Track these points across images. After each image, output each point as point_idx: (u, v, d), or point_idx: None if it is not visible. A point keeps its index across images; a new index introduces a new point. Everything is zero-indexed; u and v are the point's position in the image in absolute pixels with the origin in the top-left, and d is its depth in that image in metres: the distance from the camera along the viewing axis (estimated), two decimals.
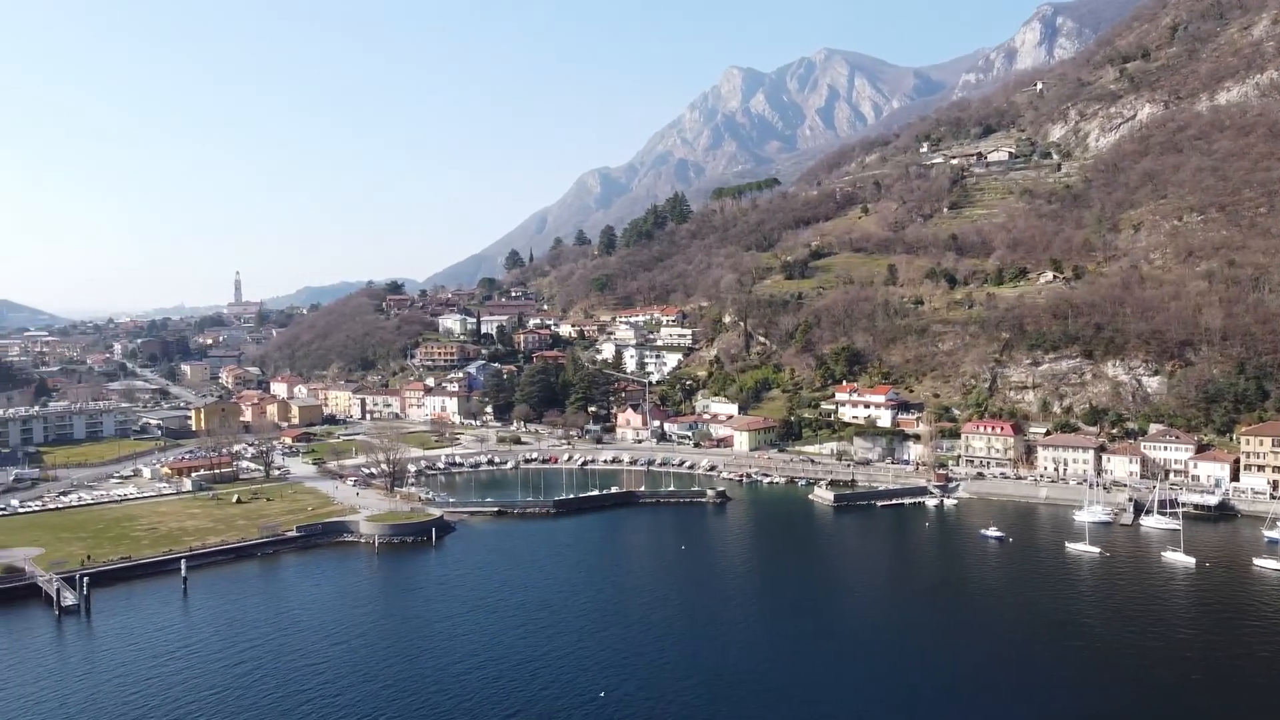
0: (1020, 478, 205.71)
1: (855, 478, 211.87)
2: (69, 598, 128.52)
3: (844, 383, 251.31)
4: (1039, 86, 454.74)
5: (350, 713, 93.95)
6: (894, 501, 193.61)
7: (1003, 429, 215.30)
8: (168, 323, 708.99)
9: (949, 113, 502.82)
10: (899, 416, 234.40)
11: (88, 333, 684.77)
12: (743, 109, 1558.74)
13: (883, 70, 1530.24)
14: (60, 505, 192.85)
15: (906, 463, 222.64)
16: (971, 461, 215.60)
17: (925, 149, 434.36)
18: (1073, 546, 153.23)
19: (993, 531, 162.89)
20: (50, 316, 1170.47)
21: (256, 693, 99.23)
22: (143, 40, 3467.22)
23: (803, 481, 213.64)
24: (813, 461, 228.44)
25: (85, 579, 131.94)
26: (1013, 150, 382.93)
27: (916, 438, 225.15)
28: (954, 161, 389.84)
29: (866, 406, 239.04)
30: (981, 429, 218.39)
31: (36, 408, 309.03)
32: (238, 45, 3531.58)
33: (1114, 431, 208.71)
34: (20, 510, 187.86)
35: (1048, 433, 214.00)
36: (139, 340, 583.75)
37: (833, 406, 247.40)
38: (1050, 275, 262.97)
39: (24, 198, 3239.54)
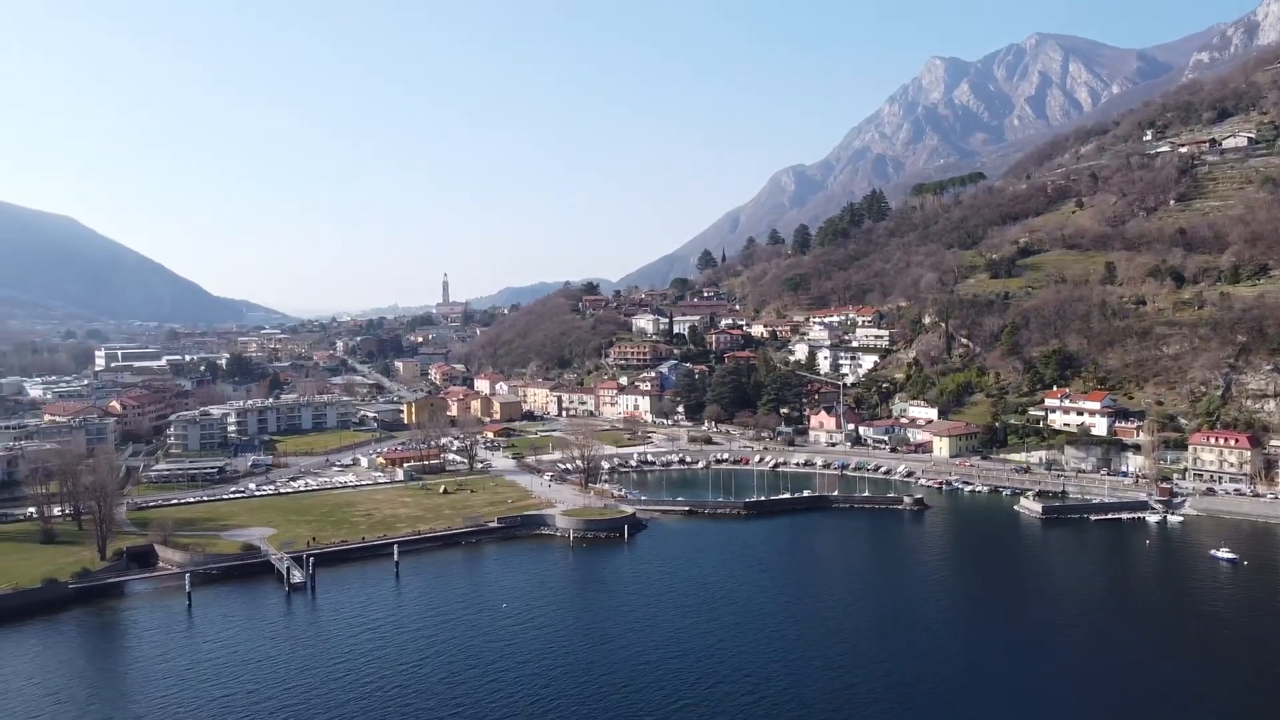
0: (1258, 495, 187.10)
1: (1066, 489, 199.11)
2: (297, 575, 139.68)
3: (1054, 388, 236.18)
4: None
5: (529, 691, 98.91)
6: (1110, 516, 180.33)
7: (1237, 441, 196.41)
8: (383, 322, 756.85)
9: (1177, 96, 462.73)
10: (1116, 425, 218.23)
11: (314, 331, 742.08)
12: (945, 100, 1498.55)
13: (1101, 53, 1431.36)
14: (289, 490, 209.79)
15: (1124, 475, 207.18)
16: (1200, 476, 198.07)
17: (1149, 136, 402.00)
18: None
19: (1224, 553, 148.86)
20: (282, 315, 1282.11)
21: (451, 668, 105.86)
22: (384, 59, 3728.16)
23: (1007, 491, 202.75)
24: (1027, 470, 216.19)
25: (311, 559, 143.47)
26: (1252, 135, 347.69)
27: (1136, 448, 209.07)
28: (1182, 149, 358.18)
29: (1079, 413, 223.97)
30: (1212, 440, 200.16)
31: (270, 400, 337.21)
32: (451, 64, 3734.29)
33: None
34: (256, 494, 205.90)
35: None
36: (358, 338, 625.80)
37: (1041, 413, 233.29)
38: None
39: (264, 206, 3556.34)
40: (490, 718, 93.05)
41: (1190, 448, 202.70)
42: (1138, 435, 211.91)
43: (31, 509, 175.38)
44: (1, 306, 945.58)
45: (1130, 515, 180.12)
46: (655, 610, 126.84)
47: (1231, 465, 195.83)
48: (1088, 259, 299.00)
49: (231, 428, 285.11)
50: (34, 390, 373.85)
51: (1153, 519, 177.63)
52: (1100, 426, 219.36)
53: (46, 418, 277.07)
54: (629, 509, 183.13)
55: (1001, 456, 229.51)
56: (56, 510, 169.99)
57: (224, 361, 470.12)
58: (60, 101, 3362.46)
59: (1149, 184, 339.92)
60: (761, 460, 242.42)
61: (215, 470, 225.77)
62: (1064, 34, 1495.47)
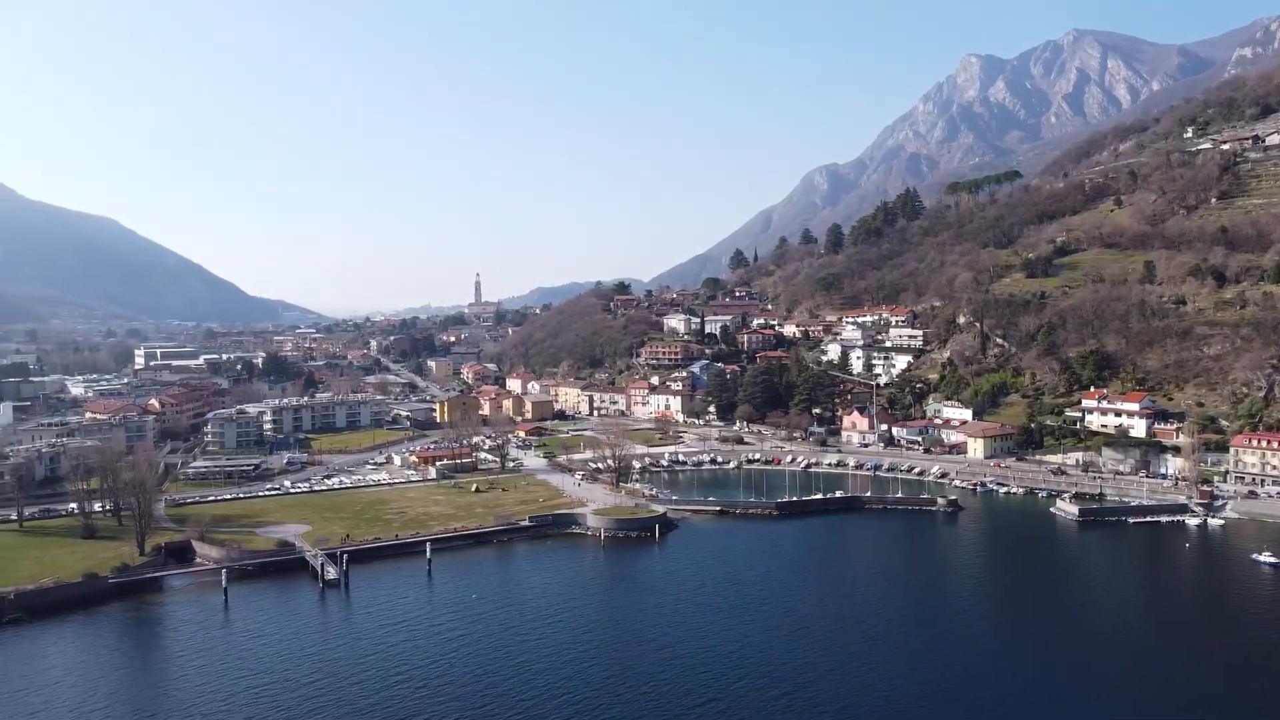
0: None
1: (1103, 491, 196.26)
2: (331, 572, 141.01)
3: (1092, 389, 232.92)
4: None
5: (558, 687, 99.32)
6: (1148, 519, 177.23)
7: None
8: (416, 321, 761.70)
9: (1219, 92, 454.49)
10: (1155, 426, 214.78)
11: (348, 330, 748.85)
12: (981, 98, 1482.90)
13: (1140, 49, 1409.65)
14: (324, 488, 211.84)
15: (1164, 477, 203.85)
16: (1242, 478, 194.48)
17: (1190, 133, 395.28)
18: None
19: (1267, 557, 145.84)
20: (317, 315, 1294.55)
21: (481, 664, 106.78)
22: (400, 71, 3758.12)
23: (1043, 493, 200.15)
24: (1063, 472, 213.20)
25: (345, 556, 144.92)
26: None
27: (1176, 450, 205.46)
28: (1224, 146, 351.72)
29: (1117, 415, 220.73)
30: (1255, 442, 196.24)
31: (305, 398, 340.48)
32: (487, 68, 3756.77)
33: None
34: (291, 490, 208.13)
35: None
36: (391, 338, 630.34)
37: (1078, 414, 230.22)
38: None
39: (299, 208, 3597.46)
40: (520, 713, 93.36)
41: (1232, 450, 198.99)
42: (1177, 437, 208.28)
43: (73, 505, 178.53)
44: (45, 306, 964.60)
45: (1169, 518, 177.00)
46: (685, 609, 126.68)
47: (1274, 468, 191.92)
48: (1126, 258, 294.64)
49: (267, 426, 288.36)
50: (76, 388, 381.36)
51: (1192, 522, 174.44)
52: (1139, 428, 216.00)
53: (88, 415, 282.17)
54: (660, 508, 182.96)
55: (1037, 458, 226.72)
56: (97, 506, 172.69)
57: (260, 360, 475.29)
58: (99, 106, 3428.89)
59: (1189, 182, 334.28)
60: (793, 460, 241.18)
61: (251, 467, 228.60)
62: (1102, 30, 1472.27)
